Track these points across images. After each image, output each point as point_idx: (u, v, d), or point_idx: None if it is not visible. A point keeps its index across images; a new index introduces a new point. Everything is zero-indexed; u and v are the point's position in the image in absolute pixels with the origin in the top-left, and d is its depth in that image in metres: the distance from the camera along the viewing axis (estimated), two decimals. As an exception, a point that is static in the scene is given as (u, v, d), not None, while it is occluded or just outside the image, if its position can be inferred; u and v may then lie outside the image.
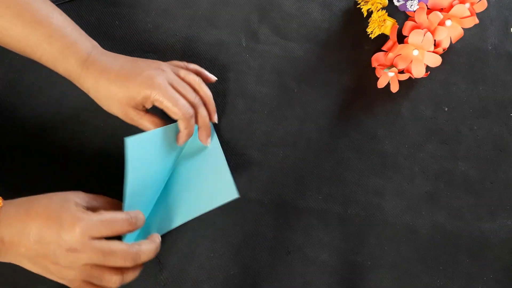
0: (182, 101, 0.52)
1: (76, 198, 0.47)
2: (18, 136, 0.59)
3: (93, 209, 0.47)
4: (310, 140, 0.61)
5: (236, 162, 0.59)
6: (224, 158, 0.56)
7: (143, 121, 0.53)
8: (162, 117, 0.55)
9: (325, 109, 0.63)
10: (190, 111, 0.53)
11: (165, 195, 0.56)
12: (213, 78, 0.60)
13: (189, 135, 0.54)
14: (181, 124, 0.53)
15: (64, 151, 0.58)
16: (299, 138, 0.61)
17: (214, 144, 0.58)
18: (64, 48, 0.51)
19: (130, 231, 0.47)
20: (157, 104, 0.52)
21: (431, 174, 0.60)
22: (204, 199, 0.54)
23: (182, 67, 0.58)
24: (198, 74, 0.58)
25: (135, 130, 0.60)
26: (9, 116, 0.60)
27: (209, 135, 0.57)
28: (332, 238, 0.56)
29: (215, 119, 0.58)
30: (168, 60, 0.63)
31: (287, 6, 0.68)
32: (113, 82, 0.52)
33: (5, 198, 0.55)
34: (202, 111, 0.55)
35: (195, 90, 0.56)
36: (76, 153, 0.57)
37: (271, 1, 0.68)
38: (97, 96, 0.53)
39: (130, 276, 0.48)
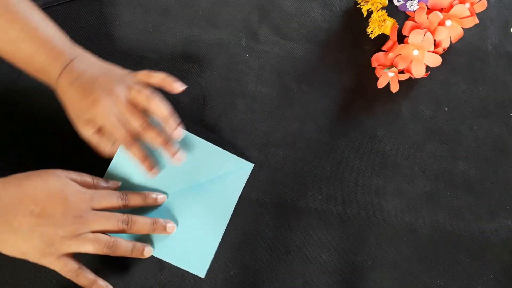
0: (122, 132, 0.53)
1: (68, 174, 0.51)
2: (18, 136, 0.59)
3: (82, 184, 0.51)
4: (310, 140, 0.61)
5: (236, 162, 0.60)
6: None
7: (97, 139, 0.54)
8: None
9: (325, 109, 0.63)
10: (121, 136, 0.53)
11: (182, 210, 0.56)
12: (178, 89, 0.55)
13: (141, 160, 0.55)
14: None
15: (64, 151, 0.58)
16: (299, 138, 0.61)
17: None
18: (51, 60, 0.53)
19: (123, 206, 0.52)
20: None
21: (431, 174, 0.60)
22: (228, 190, 0.57)
23: (142, 79, 0.56)
24: (161, 87, 0.56)
25: (135, 130, 0.60)
26: (9, 116, 0.60)
27: (173, 152, 0.55)
28: (332, 238, 0.56)
29: (177, 133, 0.55)
30: (168, 60, 0.63)
31: (287, 6, 0.68)
32: (68, 103, 0.53)
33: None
34: (148, 135, 0.54)
35: (145, 111, 0.54)
36: (76, 153, 0.57)
37: (271, 1, 0.68)
38: (67, 109, 0.54)
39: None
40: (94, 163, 0.58)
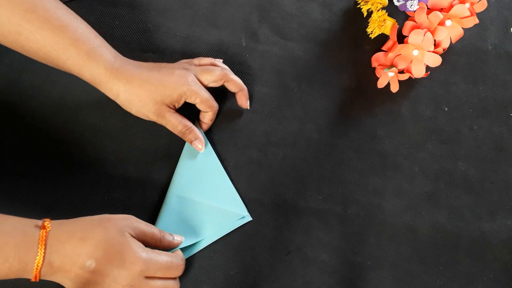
0: (211, 102, 0.58)
1: (130, 230, 0.48)
2: (18, 136, 0.59)
3: (142, 240, 0.49)
4: (310, 140, 0.61)
5: (236, 162, 0.59)
6: (230, 181, 0.58)
7: (173, 118, 0.57)
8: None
9: (325, 109, 0.63)
10: (217, 105, 0.59)
11: (173, 221, 0.56)
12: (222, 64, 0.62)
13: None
14: (208, 116, 0.59)
15: (63, 151, 0.58)
16: (299, 138, 0.61)
17: (217, 169, 0.59)
18: (91, 51, 0.53)
19: (178, 276, 0.50)
20: (190, 100, 0.57)
21: (431, 174, 0.60)
22: (215, 225, 0.56)
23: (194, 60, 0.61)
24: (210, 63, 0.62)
25: (135, 131, 0.60)
26: (9, 116, 0.60)
27: (247, 97, 0.61)
28: (332, 238, 0.56)
29: (247, 105, 0.62)
30: (167, 60, 0.63)
31: (287, 6, 0.68)
32: (147, 84, 0.55)
33: (8, 197, 0.55)
34: (233, 77, 0.60)
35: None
36: (76, 153, 0.57)
37: (271, 1, 0.68)
38: (129, 98, 0.55)
39: None
40: (96, 162, 0.58)
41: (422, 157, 0.61)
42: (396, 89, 0.63)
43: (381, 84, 0.63)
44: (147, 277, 0.47)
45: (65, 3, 0.65)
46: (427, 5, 0.63)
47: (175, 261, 0.49)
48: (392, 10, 0.67)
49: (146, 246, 0.48)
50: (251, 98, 0.62)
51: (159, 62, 0.63)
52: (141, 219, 0.55)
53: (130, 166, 0.58)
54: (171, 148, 0.59)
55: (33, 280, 0.44)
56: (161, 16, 0.66)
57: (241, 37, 0.66)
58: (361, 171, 0.60)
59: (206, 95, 0.57)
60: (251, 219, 0.56)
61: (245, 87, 0.60)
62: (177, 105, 0.57)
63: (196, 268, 0.55)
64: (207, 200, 0.57)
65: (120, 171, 0.58)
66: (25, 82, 0.62)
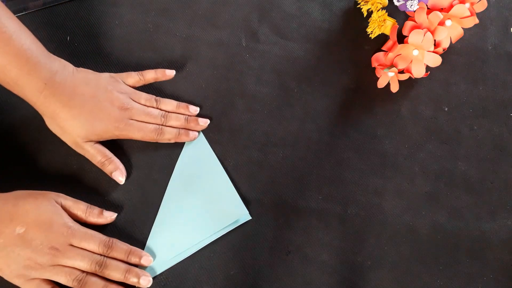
0: (148, 128, 0.57)
1: (60, 202, 0.52)
2: (18, 136, 0.59)
3: (70, 214, 0.52)
4: (310, 140, 0.61)
5: (236, 162, 0.59)
6: (229, 180, 0.58)
7: (92, 148, 0.56)
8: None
9: (325, 109, 0.63)
10: (156, 130, 0.57)
11: (172, 221, 0.56)
12: (171, 73, 0.61)
13: (177, 139, 0.58)
14: (160, 141, 0.58)
15: (63, 151, 0.58)
16: (299, 138, 0.61)
17: (215, 166, 0.59)
18: (19, 78, 0.51)
19: (103, 254, 0.51)
20: (125, 138, 0.57)
21: (431, 174, 0.60)
22: (214, 224, 0.56)
23: (139, 82, 0.60)
24: (156, 80, 0.61)
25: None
26: (9, 116, 0.60)
27: (193, 127, 0.59)
28: (332, 238, 0.56)
29: (193, 109, 0.61)
30: (168, 60, 0.63)
31: (287, 6, 0.68)
32: (76, 118, 0.54)
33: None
34: (171, 120, 0.58)
35: (158, 107, 0.59)
36: (75, 154, 0.57)
37: (271, 1, 0.68)
38: (51, 124, 0.55)
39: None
40: (92, 167, 0.58)
41: (422, 157, 0.61)
42: (396, 89, 0.63)
43: (381, 84, 0.63)
44: (72, 246, 0.50)
45: (65, 3, 0.65)
46: (427, 5, 0.63)
47: (98, 235, 0.51)
48: (392, 10, 0.68)
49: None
50: (251, 98, 0.62)
51: (159, 62, 0.64)
52: (141, 219, 0.56)
53: (130, 166, 0.58)
54: (171, 148, 0.59)
55: None
56: (161, 16, 0.66)
57: (241, 37, 0.66)
58: (361, 171, 0.60)
59: (140, 135, 0.56)
60: (251, 218, 0.56)
61: (189, 122, 0.59)
62: (103, 140, 0.57)
63: (196, 268, 0.55)
64: (207, 199, 0.57)
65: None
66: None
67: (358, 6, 0.67)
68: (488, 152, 0.61)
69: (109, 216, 0.55)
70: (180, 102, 0.60)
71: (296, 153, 0.60)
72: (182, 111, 0.60)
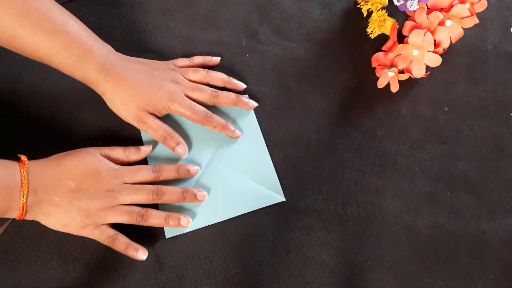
0: (198, 108, 0.57)
1: (102, 151, 0.54)
2: (18, 136, 0.59)
3: (113, 160, 0.55)
4: (310, 140, 0.61)
5: (236, 162, 0.59)
6: (270, 160, 0.59)
7: (154, 123, 0.57)
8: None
9: (325, 109, 0.63)
10: (206, 114, 0.58)
11: (212, 187, 0.58)
12: (217, 59, 0.64)
13: (222, 129, 0.59)
14: (206, 127, 0.58)
15: (63, 151, 0.58)
16: (299, 138, 0.61)
17: (260, 145, 0.60)
18: (82, 55, 0.54)
19: (155, 179, 0.54)
20: (176, 113, 0.57)
21: (431, 174, 0.60)
22: (249, 199, 0.57)
23: (189, 65, 0.62)
24: (204, 65, 0.63)
25: (136, 130, 0.60)
26: (9, 116, 0.60)
27: (246, 102, 0.60)
28: (332, 238, 0.56)
29: (241, 85, 0.62)
30: (167, 60, 0.63)
31: (287, 6, 0.68)
32: (133, 90, 0.56)
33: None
34: (222, 94, 0.59)
35: (207, 83, 0.61)
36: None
37: (271, 1, 0.68)
38: (113, 99, 0.56)
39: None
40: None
41: (422, 157, 0.61)
42: (396, 89, 0.63)
43: (381, 84, 0.63)
44: (124, 184, 0.53)
45: (65, 3, 0.65)
46: (427, 5, 0.63)
47: (143, 166, 0.55)
48: (392, 10, 0.68)
49: None
50: (251, 98, 0.62)
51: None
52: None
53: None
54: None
55: (19, 215, 0.49)
56: (161, 16, 0.66)
57: (241, 37, 0.66)
58: (361, 171, 0.60)
59: (189, 113, 0.57)
60: (284, 199, 0.57)
61: (240, 98, 0.60)
62: (159, 115, 0.58)
63: (196, 268, 0.55)
64: (246, 174, 0.58)
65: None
66: (25, 82, 0.62)
67: (358, 6, 0.67)
68: (488, 152, 0.61)
69: (147, 149, 0.57)
70: (230, 77, 0.62)
71: (296, 153, 0.60)
72: (231, 86, 0.62)
